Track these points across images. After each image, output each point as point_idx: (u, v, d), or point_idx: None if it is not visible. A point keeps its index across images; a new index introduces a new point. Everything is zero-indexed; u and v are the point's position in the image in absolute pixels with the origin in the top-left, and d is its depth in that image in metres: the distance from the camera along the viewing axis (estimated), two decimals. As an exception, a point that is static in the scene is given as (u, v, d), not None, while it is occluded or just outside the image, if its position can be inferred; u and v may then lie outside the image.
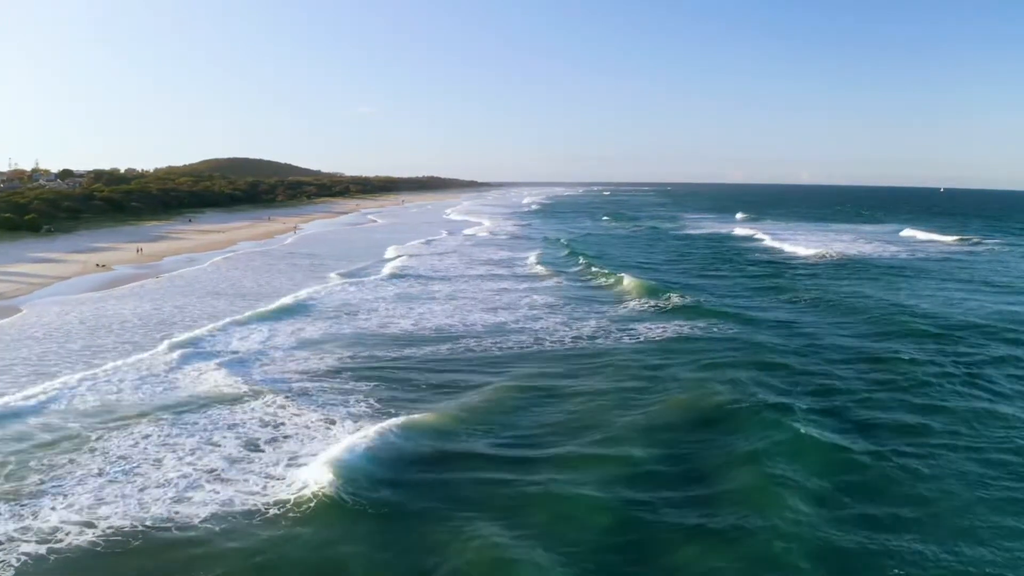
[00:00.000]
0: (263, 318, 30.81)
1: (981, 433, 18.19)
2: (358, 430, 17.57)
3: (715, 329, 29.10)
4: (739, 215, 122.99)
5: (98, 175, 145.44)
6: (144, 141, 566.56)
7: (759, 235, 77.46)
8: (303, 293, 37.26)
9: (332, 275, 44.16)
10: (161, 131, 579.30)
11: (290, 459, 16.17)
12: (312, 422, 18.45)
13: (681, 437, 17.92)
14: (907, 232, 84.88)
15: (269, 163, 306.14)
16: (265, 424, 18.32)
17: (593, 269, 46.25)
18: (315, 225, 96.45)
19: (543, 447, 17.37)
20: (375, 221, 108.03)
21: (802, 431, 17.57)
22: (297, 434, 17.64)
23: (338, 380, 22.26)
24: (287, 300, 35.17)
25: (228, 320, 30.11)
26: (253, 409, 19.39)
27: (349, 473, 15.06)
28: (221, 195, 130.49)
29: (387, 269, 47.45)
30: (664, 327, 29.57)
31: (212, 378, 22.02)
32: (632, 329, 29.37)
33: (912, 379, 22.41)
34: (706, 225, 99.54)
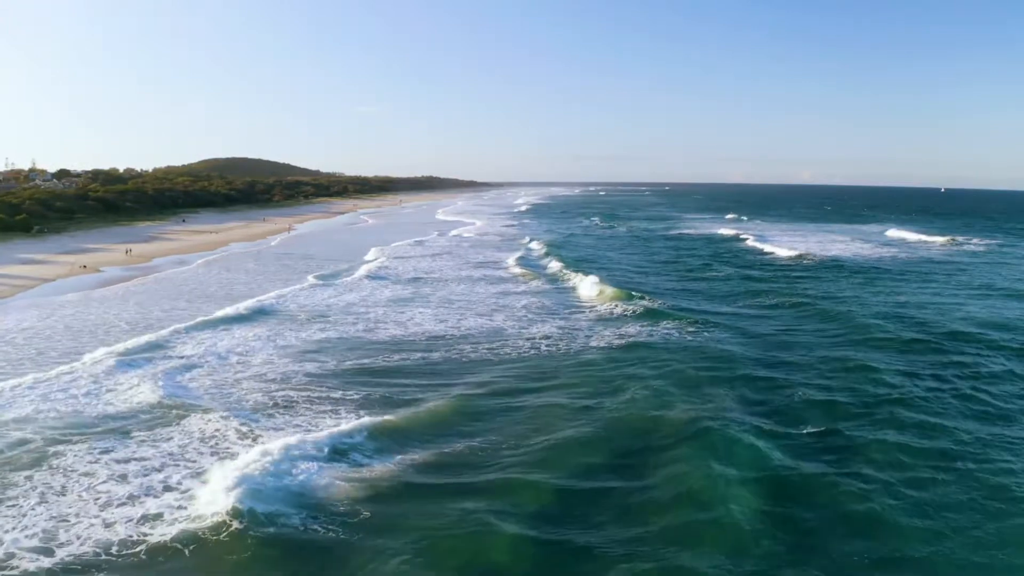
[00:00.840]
0: (239, 319, 31.29)
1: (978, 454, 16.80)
2: (273, 445, 16.43)
3: (686, 336, 28.33)
4: (729, 216, 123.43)
5: (95, 175, 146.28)
6: (144, 141, 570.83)
7: (744, 235, 77.86)
8: (276, 294, 37.89)
9: (310, 277, 44.67)
10: (161, 131, 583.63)
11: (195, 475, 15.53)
12: (264, 433, 18.44)
13: (637, 461, 16.49)
14: (900, 233, 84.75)
15: (268, 163, 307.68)
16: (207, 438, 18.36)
17: (569, 272, 46.32)
18: (310, 225, 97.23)
19: (475, 470, 16.08)
20: (368, 221, 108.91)
21: (775, 455, 16.19)
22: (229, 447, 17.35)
23: (297, 385, 22.17)
24: (263, 299, 36.05)
25: (201, 320, 30.57)
26: (191, 422, 18.60)
27: (253, 496, 14.01)
28: (217, 195, 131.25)
29: (365, 270, 48.04)
30: (631, 334, 28.66)
31: (169, 387, 21.38)
32: (598, 336, 28.57)
33: (905, 392, 21.17)
34: (696, 226, 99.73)
